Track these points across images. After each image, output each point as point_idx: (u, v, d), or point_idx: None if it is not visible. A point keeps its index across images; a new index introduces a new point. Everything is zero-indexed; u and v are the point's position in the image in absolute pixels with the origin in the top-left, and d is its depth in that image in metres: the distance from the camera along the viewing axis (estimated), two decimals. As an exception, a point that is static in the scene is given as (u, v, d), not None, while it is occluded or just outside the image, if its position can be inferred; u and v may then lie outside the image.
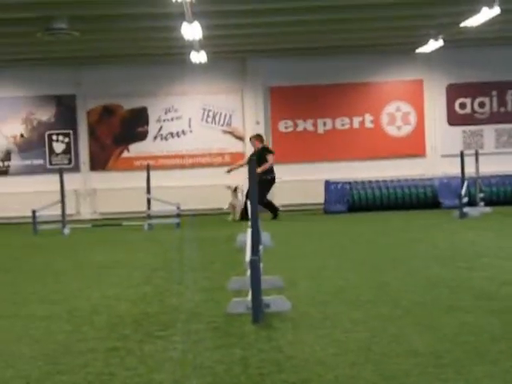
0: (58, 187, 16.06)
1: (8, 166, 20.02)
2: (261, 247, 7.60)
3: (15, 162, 20.00)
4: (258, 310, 6.48)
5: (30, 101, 19.99)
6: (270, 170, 17.31)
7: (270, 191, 17.62)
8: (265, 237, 11.06)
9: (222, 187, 17.79)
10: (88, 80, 20.00)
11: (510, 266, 9.10)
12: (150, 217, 16.50)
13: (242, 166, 17.74)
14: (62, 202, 16.00)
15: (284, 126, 20.17)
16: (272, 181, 17.36)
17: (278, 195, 19.92)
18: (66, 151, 20.09)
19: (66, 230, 15.83)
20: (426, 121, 20.30)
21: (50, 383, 4.98)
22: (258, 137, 17.73)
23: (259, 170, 16.42)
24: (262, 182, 16.66)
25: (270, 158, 17.32)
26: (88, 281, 9.33)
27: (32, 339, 6.25)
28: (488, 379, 4.60)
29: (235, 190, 17.57)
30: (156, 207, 16.73)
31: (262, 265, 6.98)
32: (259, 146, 17.50)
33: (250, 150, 19.49)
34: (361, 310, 6.84)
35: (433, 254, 10.41)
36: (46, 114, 20.04)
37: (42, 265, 11.13)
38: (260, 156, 17.05)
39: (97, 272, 10.09)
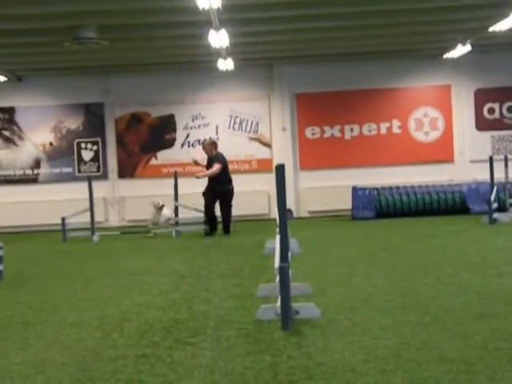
0: (86, 195, 16.18)
1: (37, 174, 20.16)
2: (289, 254, 7.60)
3: (44, 170, 20.13)
4: (288, 317, 6.48)
5: (59, 109, 20.13)
6: (229, 181, 16.04)
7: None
8: (293, 243, 11.06)
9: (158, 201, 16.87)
10: (116, 88, 20.11)
11: (541, 272, 9.03)
12: (177, 224, 16.57)
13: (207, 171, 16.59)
14: (91, 209, 16.12)
15: (311, 132, 20.14)
16: (228, 192, 15.95)
17: (306, 202, 19.92)
18: (95, 159, 20.20)
19: (95, 238, 15.94)
20: (454, 126, 20.16)
21: (81, 390, 5.03)
22: (213, 144, 16.61)
23: (201, 174, 16.02)
24: (224, 192, 15.86)
25: (216, 165, 15.83)
26: (118, 288, 9.37)
27: (62, 346, 6.29)
28: (520, 386, 4.58)
29: (161, 207, 16.71)
30: (184, 214, 16.83)
31: (290, 271, 6.98)
32: (213, 153, 16.32)
33: (277, 156, 19.54)
34: (390, 316, 6.82)
35: (462, 260, 10.34)
36: (74, 123, 20.16)
37: (72, 272, 11.20)
38: (209, 163, 16.17)
39: (126, 279, 10.14)
